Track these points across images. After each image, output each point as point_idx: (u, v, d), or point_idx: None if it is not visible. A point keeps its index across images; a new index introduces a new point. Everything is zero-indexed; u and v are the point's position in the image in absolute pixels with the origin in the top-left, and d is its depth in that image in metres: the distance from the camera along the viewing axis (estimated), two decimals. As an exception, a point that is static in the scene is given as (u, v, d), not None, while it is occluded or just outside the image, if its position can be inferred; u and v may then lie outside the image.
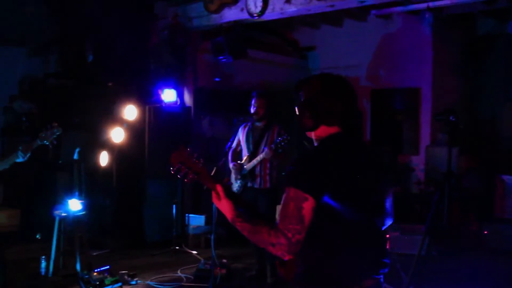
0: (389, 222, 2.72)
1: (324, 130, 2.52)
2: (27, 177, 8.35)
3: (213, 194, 2.56)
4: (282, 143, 5.73)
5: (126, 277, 5.94)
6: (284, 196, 2.35)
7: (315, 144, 2.57)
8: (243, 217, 2.47)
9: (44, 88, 9.54)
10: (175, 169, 2.64)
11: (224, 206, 2.52)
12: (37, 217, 7.80)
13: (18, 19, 8.85)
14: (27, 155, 4.59)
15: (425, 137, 8.50)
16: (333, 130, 2.51)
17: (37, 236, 7.61)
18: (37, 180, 8.53)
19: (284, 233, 2.29)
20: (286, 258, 2.35)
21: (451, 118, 4.96)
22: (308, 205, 2.30)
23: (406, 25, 8.55)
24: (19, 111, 9.56)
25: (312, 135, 2.56)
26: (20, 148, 4.52)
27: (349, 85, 2.57)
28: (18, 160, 4.58)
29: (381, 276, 2.50)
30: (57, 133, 4.75)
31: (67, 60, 8.90)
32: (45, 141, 4.70)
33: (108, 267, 5.86)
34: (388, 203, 2.70)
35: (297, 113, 2.56)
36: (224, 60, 7.49)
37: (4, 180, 7.76)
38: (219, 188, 2.54)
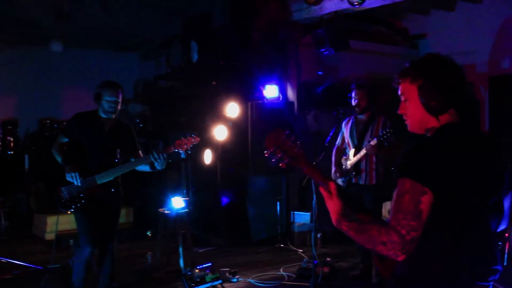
0: (503, 225, 2.39)
1: (440, 119, 2.25)
2: (140, 176, 8.65)
3: (323, 191, 2.37)
4: (385, 136, 5.42)
5: (227, 274, 5.94)
6: (397, 189, 2.12)
7: (428, 134, 2.30)
8: (350, 216, 2.27)
9: (155, 90, 9.87)
10: (269, 152, 2.50)
11: (333, 205, 2.32)
12: (148, 215, 8.06)
13: (131, 25, 9.22)
14: (163, 160, 4.57)
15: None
16: (448, 119, 2.25)
17: (148, 233, 7.85)
18: (149, 179, 8.83)
19: (397, 230, 2.05)
20: (400, 258, 2.07)
21: None
22: (426, 200, 2.06)
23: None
24: (133, 113, 9.99)
25: (425, 124, 2.29)
26: (153, 151, 4.56)
27: (460, 69, 2.28)
28: (157, 165, 4.61)
29: (491, 284, 2.22)
30: (194, 143, 4.68)
31: (175, 61, 9.12)
32: (180, 150, 4.62)
33: (210, 264, 5.88)
34: (506, 204, 2.37)
35: (407, 101, 2.31)
36: (326, 52, 7.27)
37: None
38: (332, 186, 2.35)
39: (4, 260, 3.32)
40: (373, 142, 5.48)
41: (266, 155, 2.52)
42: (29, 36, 9.73)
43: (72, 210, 4.65)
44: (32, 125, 10.01)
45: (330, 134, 6.18)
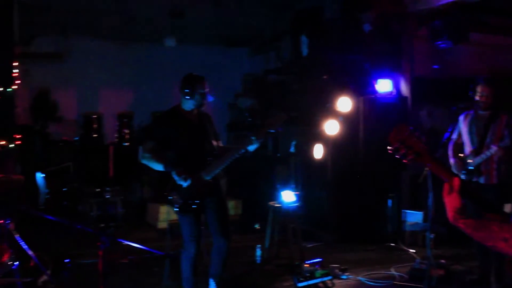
0: None
1: None
2: (249, 170, 8.76)
3: (445, 186, 2.27)
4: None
5: (337, 271, 5.84)
6: None
7: None
8: (467, 213, 2.16)
9: (264, 85, 9.94)
10: (393, 148, 2.42)
11: (452, 201, 2.22)
12: (257, 208, 8.13)
13: (242, 21, 9.35)
14: (260, 141, 4.61)
15: None
16: None
17: (256, 226, 7.91)
18: (258, 173, 8.92)
19: None
20: None
21: None
22: None
23: None
24: (243, 107, 10.13)
25: None
26: (252, 137, 4.61)
27: None
28: (251, 148, 4.64)
29: None
30: (283, 120, 4.73)
31: (284, 56, 9.14)
32: (271, 129, 4.69)
33: (320, 259, 5.83)
34: None
35: None
36: (443, 45, 6.97)
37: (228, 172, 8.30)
38: (456, 182, 2.25)
39: (130, 244, 3.42)
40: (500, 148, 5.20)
41: (390, 151, 2.42)
42: (143, 34, 10.15)
43: (188, 213, 4.67)
44: (146, 118, 10.42)
45: (449, 130, 5.89)
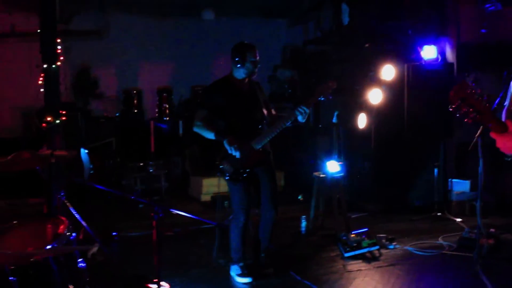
0: None
1: None
2: (290, 141, 8.72)
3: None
4: None
5: (384, 240, 5.78)
6: None
7: None
8: None
9: (304, 56, 9.82)
10: (454, 106, 2.33)
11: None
12: (299, 179, 8.10)
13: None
14: (307, 113, 4.61)
15: None
16: None
17: (299, 197, 7.88)
18: (299, 144, 8.87)
19: None
20: None
21: None
22: None
23: None
24: (282, 79, 10.04)
25: None
26: (302, 105, 4.58)
27: None
28: (300, 117, 4.62)
29: None
30: (333, 87, 4.70)
31: (324, 25, 8.99)
32: (321, 97, 4.69)
33: (366, 229, 5.77)
34: None
35: None
36: (492, 8, 6.72)
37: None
38: None
39: (182, 214, 3.43)
40: None
41: (451, 109, 2.34)
42: (182, 6, 10.11)
43: (239, 182, 4.68)
44: (185, 92, 10.44)
45: (500, 95, 5.69)
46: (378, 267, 5.23)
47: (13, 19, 9.54)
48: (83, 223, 5.00)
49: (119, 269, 5.18)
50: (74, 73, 10.15)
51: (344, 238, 5.62)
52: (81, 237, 5.16)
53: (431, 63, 7.18)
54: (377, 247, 5.56)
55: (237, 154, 4.54)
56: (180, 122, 9.88)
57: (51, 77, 7.49)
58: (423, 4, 7.43)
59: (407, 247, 5.77)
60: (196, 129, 4.75)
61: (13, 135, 9.40)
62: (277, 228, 5.22)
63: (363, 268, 5.19)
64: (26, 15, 9.15)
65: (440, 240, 5.99)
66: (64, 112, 7.73)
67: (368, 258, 5.43)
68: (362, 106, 7.29)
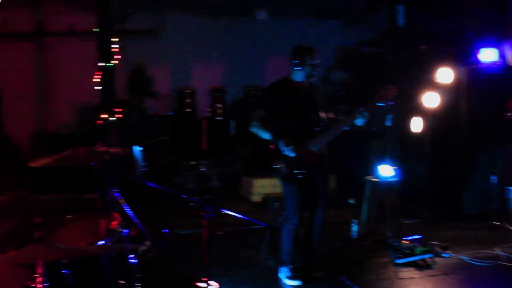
0: None
1: None
2: (343, 144, 8.59)
3: None
4: None
5: (437, 248, 5.62)
6: None
7: None
8: None
9: (358, 57, 9.68)
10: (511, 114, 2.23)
11: None
12: (351, 183, 7.97)
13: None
14: (366, 117, 4.57)
15: None
16: None
17: (350, 201, 7.77)
18: (352, 147, 8.73)
19: None
20: None
21: None
22: None
23: None
24: (335, 80, 9.93)
25: None
26: (361, 109, 4.53)
27: None
28: (358, 122, 4.61)
29: None
30: (394, 93, 4.68)
31: (379, 27, 8.84)
32: (381, 102, 4.67)
33: (420, 236, 5.63)
34: None
35: None
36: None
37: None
38: None
39: (233, 214, 3.43)
40: None
41: (506, 117, 2.23)
42: (235, 7, 10.14)
43: (294, 183, 4.65)
44: (238, 92, 10.46)
45: None
46: (431, 275, 5.09)
47: (72, 18, 9.79)
48: (135, 219, 5.07)
49: (169, 266, 5.23)
50: (129, 71, 10.31)
51: (396, 244, 5.50)
52: (133, 233, 5.23)
53: (490, 66, 6.96)
54: (430, 255, 5.42)
55: (292, 155, 4.52)
56: (233, 122, 9.91)
57: (107, 75, 7.63)
58: (483, 4, 7.21)
59: (462, 256, 5.60)
60: (253, 129, 4.74)
61: (70, 131, 9.64)
62: (328, 232, 5.16)
63: (415, 276, 5.07)
64: (84, 14, 9.36)
65: (497, 250, 5.78)
66: (119, 110, 7.87)
67: (420, 266, 5.30)
68: (418, 109, 7.12)
